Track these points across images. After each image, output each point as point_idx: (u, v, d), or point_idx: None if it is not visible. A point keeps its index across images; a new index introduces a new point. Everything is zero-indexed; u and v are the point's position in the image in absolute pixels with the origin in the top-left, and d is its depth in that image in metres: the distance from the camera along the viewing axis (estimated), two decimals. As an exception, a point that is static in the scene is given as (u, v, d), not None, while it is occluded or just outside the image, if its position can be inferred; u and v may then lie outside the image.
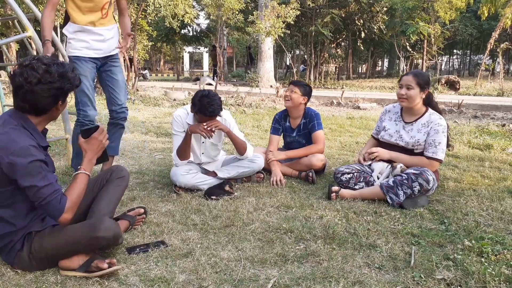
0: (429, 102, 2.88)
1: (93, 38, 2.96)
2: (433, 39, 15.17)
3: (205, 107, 2.79)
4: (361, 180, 2.93)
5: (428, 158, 2.77)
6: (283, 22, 11.93)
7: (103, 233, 1.74)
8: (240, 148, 3.10)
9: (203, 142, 3.12)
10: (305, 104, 3.47)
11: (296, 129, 3.50)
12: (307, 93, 3.43)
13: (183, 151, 2.97)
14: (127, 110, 3.23)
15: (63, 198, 1.73)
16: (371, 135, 3.21)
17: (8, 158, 1.62)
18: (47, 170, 1.71)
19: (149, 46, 15.93)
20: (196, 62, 34.47)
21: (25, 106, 1.71)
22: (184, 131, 2.96)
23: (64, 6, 3.07)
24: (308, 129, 3.45)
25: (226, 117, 3.08)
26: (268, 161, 3.32)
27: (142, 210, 2.36)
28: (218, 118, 2.94)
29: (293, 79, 14.88)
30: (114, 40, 3.08)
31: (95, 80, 3.17)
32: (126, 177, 2.20)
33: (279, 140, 3.56)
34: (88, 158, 1.83)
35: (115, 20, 3.13)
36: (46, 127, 1.88)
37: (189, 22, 12.86)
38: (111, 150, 3.24)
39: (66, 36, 2.95)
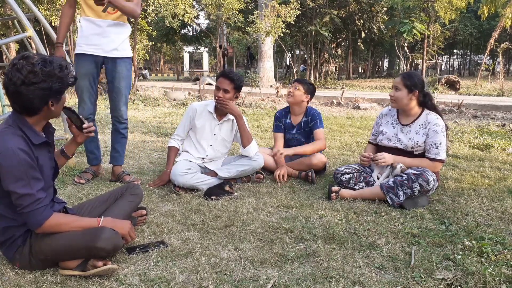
0: (425, 103, 2.87)
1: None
2: (432, 39, 15.17)
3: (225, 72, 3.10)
4: (361, 180, 2.93)
5: (431, 159, 2.77)
6: (283, 22, 11.93)
7: (103, 243, 1.71)
8: (245, 138, 3.11)
9: (214, 134, 3.19)
10: (307, 102, 3.51)
11: (297, 126, 3.52)
12: (311, 91, 3.48)
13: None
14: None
15: (48, 211, 1.71)
16: (369, 142, 3.18)
17: None
18: (33, 176, 1.66)
19: (149, 46, 15.93)
20: (196, 62, 34.44)
21: (15, 106, 1.69)
22: (192, 118, 3.19)
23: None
24: (309, 127, 3.47)
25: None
26: (276, 156, 3.28)
27: (144, 212, 2.36)
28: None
29: (293, 79, 14.88)
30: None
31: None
32: (140, 195, 2.28)
33: (283, 137, 3.57)
34: (113, 224, 1.85)
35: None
36: (53, 126, 1.88)
37: (189, 22, 12.86)
38: (114, 160, 3.23)
39: None
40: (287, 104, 3.58)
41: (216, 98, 3.04)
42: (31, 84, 1.62)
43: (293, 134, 3.54)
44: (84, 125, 1.99)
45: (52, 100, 1.71)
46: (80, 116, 1.99)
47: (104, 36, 2.92)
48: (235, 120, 3.20)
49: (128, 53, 3.08)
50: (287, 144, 3.60)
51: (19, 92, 1.63)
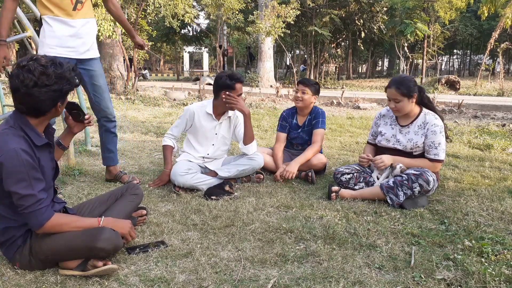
0: (421, 100, 2.86)
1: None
2: (432, 39, 15.18)
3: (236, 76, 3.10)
4: (361, 181, 2.93)
5: (431, 160, 2.77)
6: (283, 22, 11.92)
7: (103, 244, 1.71)
8: (248, 136, 3.14)
9: (216, 134, 3.20)
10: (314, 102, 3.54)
11: (302, 126, 3.54)
12: (317, 91, 3.51)
13: None
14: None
15: (49, 211, 1.72)
16: (367, 142, 3.17)
17: None
18: (35, 177, 1.66)
19: (149, 46, 15.93)
20: (196, 62, 34.45)
21: (23, 108, 1.69)
22: (188, 120, 3.20)
23: None
24: (311, 125, 3.48)
25: (238, 115, 3.25)
26: (288, 177, 3.18)
27: (144, 212, 2.37)
28: (231, 113, 3.22)
29: (293, 79, 14.92)
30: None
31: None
32: (140, 195, 2.29)
33: (286, 137, 3.57)
34: (113, 223, 1.86)
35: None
36: (54, 127, 1.89)
37: (189, 21, 12.86)
38: (110, 160, 3.17)
39: None
40: (287, 104, 3.59)
41: (230, 99, 3.05)
42: (43, 86, 1.63)
43: (298, 133, 3.55)
44: (85, 116, 2.06)
45: (60, 102, 1.73)
46: (80, 107, 2.05)
47: (78, 38, 2.80)
48: (233, 118, 3.23)
49: (98, 52, 2.99)
50: (290, 142, 3.61)
51: (31, 94, 1.63)
